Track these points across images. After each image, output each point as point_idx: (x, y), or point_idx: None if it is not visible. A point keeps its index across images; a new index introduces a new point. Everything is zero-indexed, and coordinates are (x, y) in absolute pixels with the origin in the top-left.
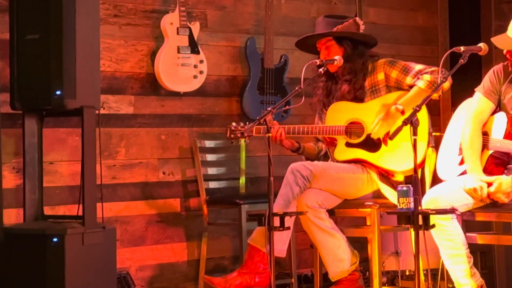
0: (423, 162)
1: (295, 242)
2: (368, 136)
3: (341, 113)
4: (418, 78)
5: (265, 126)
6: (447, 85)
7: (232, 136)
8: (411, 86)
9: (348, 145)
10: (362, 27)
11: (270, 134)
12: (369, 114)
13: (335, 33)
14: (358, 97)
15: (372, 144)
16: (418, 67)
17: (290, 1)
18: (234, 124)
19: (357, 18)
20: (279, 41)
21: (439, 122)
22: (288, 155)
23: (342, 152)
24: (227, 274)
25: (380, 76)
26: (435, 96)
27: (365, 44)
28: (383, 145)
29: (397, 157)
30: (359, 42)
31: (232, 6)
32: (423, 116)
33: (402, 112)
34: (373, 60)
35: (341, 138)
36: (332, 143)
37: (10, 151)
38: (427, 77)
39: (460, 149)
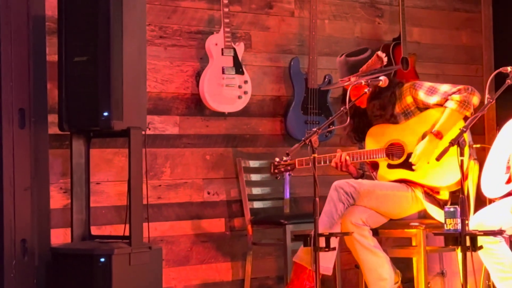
0: (466, 175)
1: (340, 262)
2: (409, 155)
3: (380, 136)
4: (447, 100)
5: (307, 158)
6: (476, 100)
7: (276, 171)
8: (438, 105)
9: (390, 166)
10: (385, 60)
11: (316, 155)
12: (408, 134)
13: (363, 78)
14: (392, 123)
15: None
16: (444, 87)
17: (334, 21)
18: (277, 159)
19: (379, 52)
20: (323, 61)
21: (484, 141)
22: (332, 175)
23: (385, 174)
24: None
25: (409, 99)
26: (467, 114)
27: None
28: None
29: (439, 173)
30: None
31: (276, 27)
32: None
33: (440, 137)
34: (399, 86)
35: (382, 161)
36: (374, 167)
37: (58, 172)
38: (456, 97)
39: (508, 168)
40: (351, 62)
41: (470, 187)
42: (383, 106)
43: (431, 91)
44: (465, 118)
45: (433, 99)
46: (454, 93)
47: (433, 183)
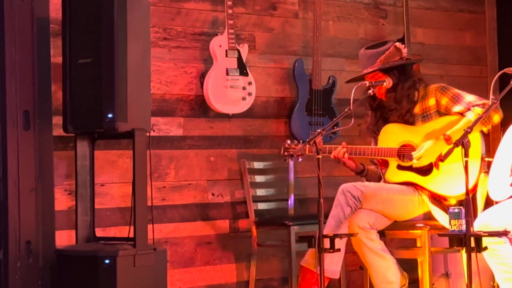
0: (475, 187)
1: (344, 263)
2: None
3: (393, 135)
4: (469, 110)
5: (318, 146)
6: (497, 118)
7: (285, 153)
8: (459, 113)
9: (400, 167)
10: (404, 51)
11: (320, 156)
12: (422, 137)
13: (381, 68)
14: (407, 122)
15: (424, 168)
16: (469, 98)
17: (338, 22)
18: (288, 141)
19: (398, 43)
20: (327, 62)
21: (488, 143)
22: (336, 176)
23: (394, 174)
24: None
25: (431, 101)
26: (484, 129)
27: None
28: (434, 169)
29: (449, 182)
30: (404, 65)
31: (280, 28)
32: (476, 141)
33: (449, 143)
34: (424, 84)
35: (393, 160)
36: (384, 164)
37: (62, 173)
38: (478, 110)
39: None
40: (369, 54)
41: (479, 200)
42: (398, 99)
43: (456, 99)
44: (482, 133)
45: (456, 108)
46: (478, 105)
47: (442, 192)
